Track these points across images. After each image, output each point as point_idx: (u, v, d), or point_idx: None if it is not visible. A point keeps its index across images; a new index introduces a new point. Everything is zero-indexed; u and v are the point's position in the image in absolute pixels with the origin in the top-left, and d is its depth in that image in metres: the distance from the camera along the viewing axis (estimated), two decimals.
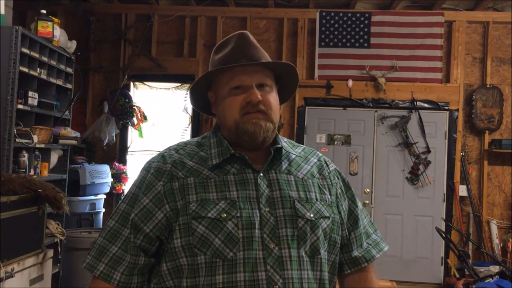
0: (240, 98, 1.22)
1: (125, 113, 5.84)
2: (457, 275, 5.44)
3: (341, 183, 1.35)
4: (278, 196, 1.21)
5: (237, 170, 1.23)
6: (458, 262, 5.31)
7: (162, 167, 1.24)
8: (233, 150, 1.24)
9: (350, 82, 5.77)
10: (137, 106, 5.92)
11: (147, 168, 1.27)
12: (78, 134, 4.44)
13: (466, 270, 4.75)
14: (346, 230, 1.31)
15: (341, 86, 5.82)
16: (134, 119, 5.88)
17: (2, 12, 3.66)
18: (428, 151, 5.72)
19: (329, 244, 1.24)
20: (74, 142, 4.38)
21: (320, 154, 1.39)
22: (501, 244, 5.59)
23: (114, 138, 5.85)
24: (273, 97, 1.26)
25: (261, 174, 1.22)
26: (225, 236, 1.14)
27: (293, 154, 1.31)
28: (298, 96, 5.86)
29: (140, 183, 1.25)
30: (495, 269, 4.73)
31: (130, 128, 6.03)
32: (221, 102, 1.26)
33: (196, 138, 1.36)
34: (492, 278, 3.79)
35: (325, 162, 1.36)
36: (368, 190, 5.79)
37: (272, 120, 1.23)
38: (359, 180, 5.81)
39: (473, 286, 3.89)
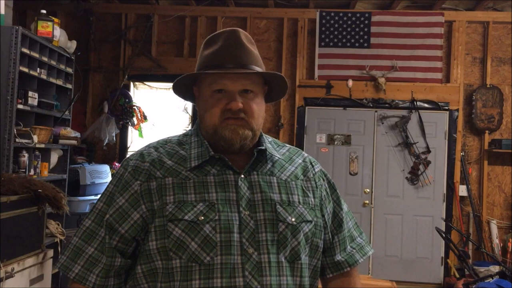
0: (221, 104, 1.18)
1: (125, 113, 5.84)
2: (457, 275, 5.44)
3: (326, 185, 1.31)
4: (259, 199, 1.17)
5: (217, 171, 1.19)
6: (458, 262, 5.31)
7: (140, 165, 1.20)
8: (212, 152, 1.19)
9: (350, 82, 5.77)
10: (137, 106, 5.93)
11: (124, 166, 1.23)
12: (78, 134, 4.44)
13: (466, 270, 4.76)
14: (330, 234, 1.27)
15: (341, 86, 5.82)
16: (134, 119, 5.89)
17: (2, 12, 3.66)
18: (428, 151, 5.72)
19: (311, 248, 1.20)
20: (74, 142, 4.38)
21: (306, 155, 1.35)
22: (501, 244, 5.59)
23: (114, 138, 5.86)
24: (256, 104, 1.21)
25: (242, 176, 1.18)
26: (201, 239, 1.10)
27: (277, 156, 1.26)
28: (298, 96, 5.86)
29: (118, 181, 1.21)
30: (495, 269, 4.74)
31: (130, 128, 6.03)
32: (203, 102, 1.22)
33: (178, 135, 1.32)
34: (492, 278, 3.79)
35: (311, 163, 1.32)
36: (368, 190, 5.79)
37: (252, 127, 1.19)
38: (359, 180, 5.81)
39: (473, 286, 3.89)
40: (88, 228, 1.19)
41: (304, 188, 1.24)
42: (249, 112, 1.18)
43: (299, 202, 1.21)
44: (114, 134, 5.83)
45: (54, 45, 4.13)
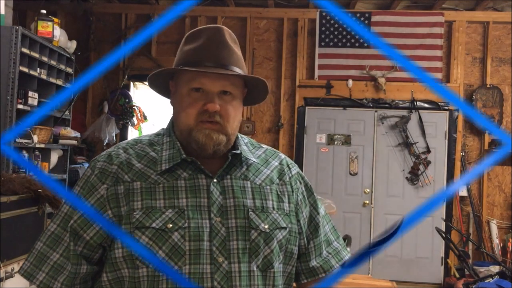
0: (198, 105, 1.12)
1: (125, 113, 5.84)
2: (457, 275, 5.44)
3: (303, 188, 1.26)
4: (232, 205, 1.12)
5: (189, 175, 1.13)
6: (458, 262, 5.31)
7: (108, 168, 1.14)
8: (184, 155, 1.14)
9: (350, 82, 5.77)
10: (137, 106, 5.93)
11: (92, 167, 1.16)
12: (78, 134, 4.45)
13: (466, 270, 4.76)
14: (305, 239, 1.23)
15: (341, 86, 5.82)
16: (134, 119, 5.89)
17: (2, 12, 3.66)
18: (428, 151, 5.72)
19: (285, 255, 1.17)
20: (74, 142, 4.38)
21: (283, 156, 1.30)
22: (501, 244, 5.59)
23: (114, 138, 5.86)
24: (234, 107, 1.15)
25: (215, 181, 1.13)
26: (170, 248, 1.06)
27: (252, 159, 1.21)
28: (298, 96, 5.86)
29: (84, 183, 1.15)
30: (495, 269, 4.73)
31: (130, 128, 6.03)
32: (179, 100, 1.16)
33: (150, 134, 1.26)
34: (492, 278, 3.79)
35: (287, 165, 1.27)
36: (368, 190, 5.79)
37: (227, 132, 1.14)
38: (359, 180, 5.81)
39: (473, 286, 3.89)
40: (53, 233, 1.13)
41: (279, 193, 1.20)
42: (225, 116, 1.13)
43: (273, 208, 1.17)
44: (114, 134, 5.84)
45: (54, 45, 4.14)
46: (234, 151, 1.18)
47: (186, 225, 1.08)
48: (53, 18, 4.09)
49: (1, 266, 2.87)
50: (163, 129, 1.26)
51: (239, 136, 1.23)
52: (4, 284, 2.89)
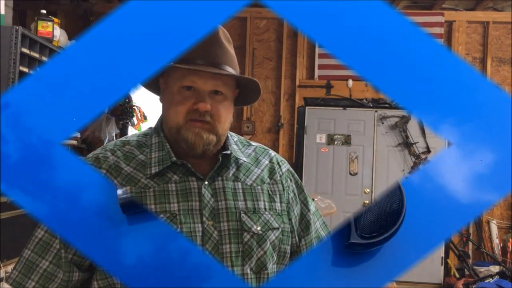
0: (188, 103, 1.09)
1: (125, 113, 5.84)
2: (457, 275, 5.44)
3: (294, 186, 1.25)
4: (223, 208, 1.11)
5: (179, 177, 1.11)
6: (458, 262, 5.31)
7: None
8: (174, 157, 1.11)
9: (350, 82, 5.77)
10: (137, 106, 5.93)
11: None
12: (78, 134, 4.45)
13: (466, 270, 4.76)
14: (297, 237, 1.22)
15: (341, 86, 5.82)
16: (134, 119, 5.89)
17: (2, 12, 3.66)
18: (428, 151, 5.72)
19: (279, 255, 1.16)
20: (74, 142, 4.39)
21: (273, 154, 1.28)
22: (501, 244, 5.60)
23: (114, 138, 5.86)
24: (225, 107, 1.12)
25: (206, 183, 1.12)
26: None
27: (242, 159, 1.19)
28: (298, 96, 5.86)
29: None
30: (495, 269, 4.74)
31: (130, 128, 6.03)
32: (169, 97, 1.13)
33: (137, 134, 1.23)
34: (492, 278, 3.80)
35: (278, 163, 1.25)
36: (368, 190, 5.79)
37: (217, 132, 1.11)
38: (359, 180, 5.81)
39: (473, 286, 3.89)
40: (41, 240, 1.09)
41: (270, 193, 1.19)
42: (216, 116, 1.10)
43: (265, 208, 1.16)
44: (114, 134, 5.83)
45: (54, 45, 4.13)
46: (224, 152, 1.16)
47: (178, 230, 1.06)
48: (53, 18, 4.09)
49: (1, 266, 2.87)
50: (150, 128, 1.22)
51: (228, 135, 1.21)
52: (4, 284, 2.89)
